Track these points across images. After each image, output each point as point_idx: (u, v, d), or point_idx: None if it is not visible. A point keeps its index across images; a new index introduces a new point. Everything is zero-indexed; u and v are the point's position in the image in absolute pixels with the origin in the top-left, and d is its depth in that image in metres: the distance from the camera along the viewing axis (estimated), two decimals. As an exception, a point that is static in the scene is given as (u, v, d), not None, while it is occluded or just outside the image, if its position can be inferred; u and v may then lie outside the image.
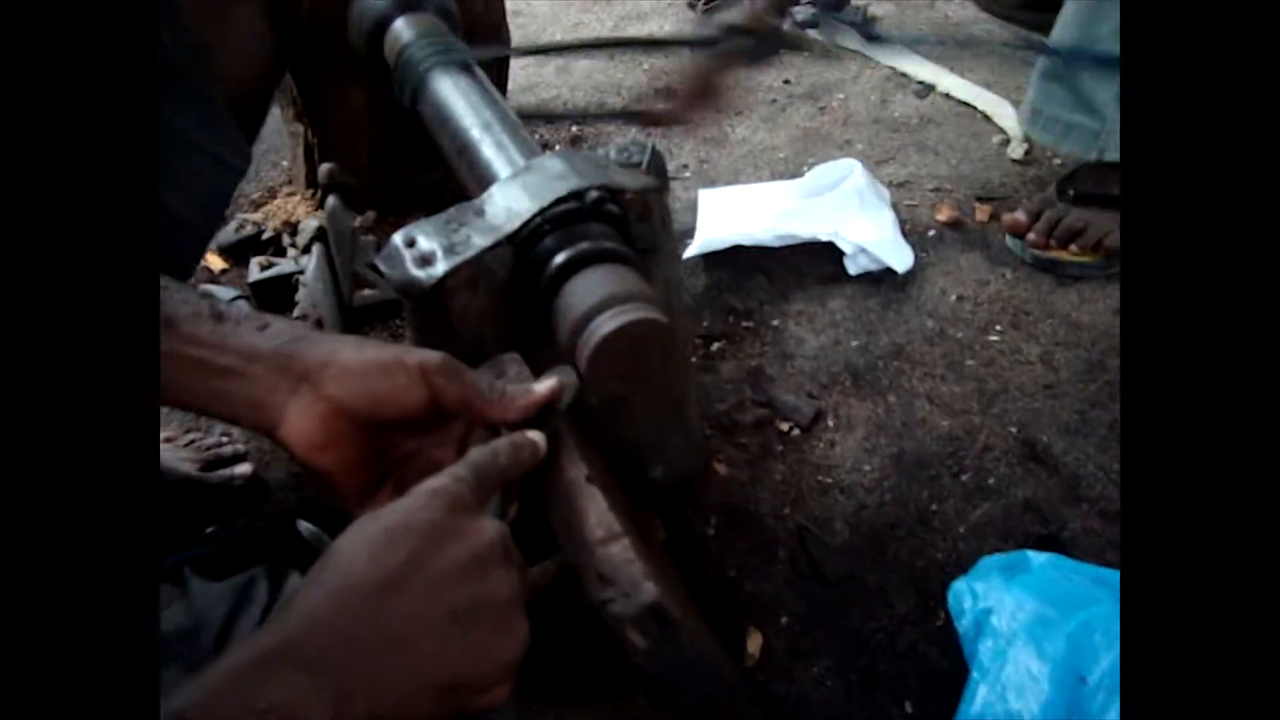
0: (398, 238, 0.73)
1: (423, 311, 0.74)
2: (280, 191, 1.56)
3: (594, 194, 0.73)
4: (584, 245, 0.70)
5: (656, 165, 0.81)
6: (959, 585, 0.80)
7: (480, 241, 0.71)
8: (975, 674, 0.71)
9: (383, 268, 0.73)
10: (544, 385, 0.61)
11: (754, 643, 0.89)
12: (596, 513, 0.60)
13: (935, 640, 0.89)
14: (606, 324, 0.65)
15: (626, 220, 0.76)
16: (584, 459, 0.63)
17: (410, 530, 0.44)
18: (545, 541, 0.64)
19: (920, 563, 0.95)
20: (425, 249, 0.71)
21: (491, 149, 0.85)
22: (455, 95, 0.94)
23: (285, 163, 1.62)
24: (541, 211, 0.72)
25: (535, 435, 0.58)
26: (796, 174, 1.52)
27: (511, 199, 0.74)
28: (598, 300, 0.66)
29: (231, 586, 0.59)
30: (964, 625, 0.77)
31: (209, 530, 1.07)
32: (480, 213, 0.74)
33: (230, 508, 1.08)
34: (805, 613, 0.91)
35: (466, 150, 0.88)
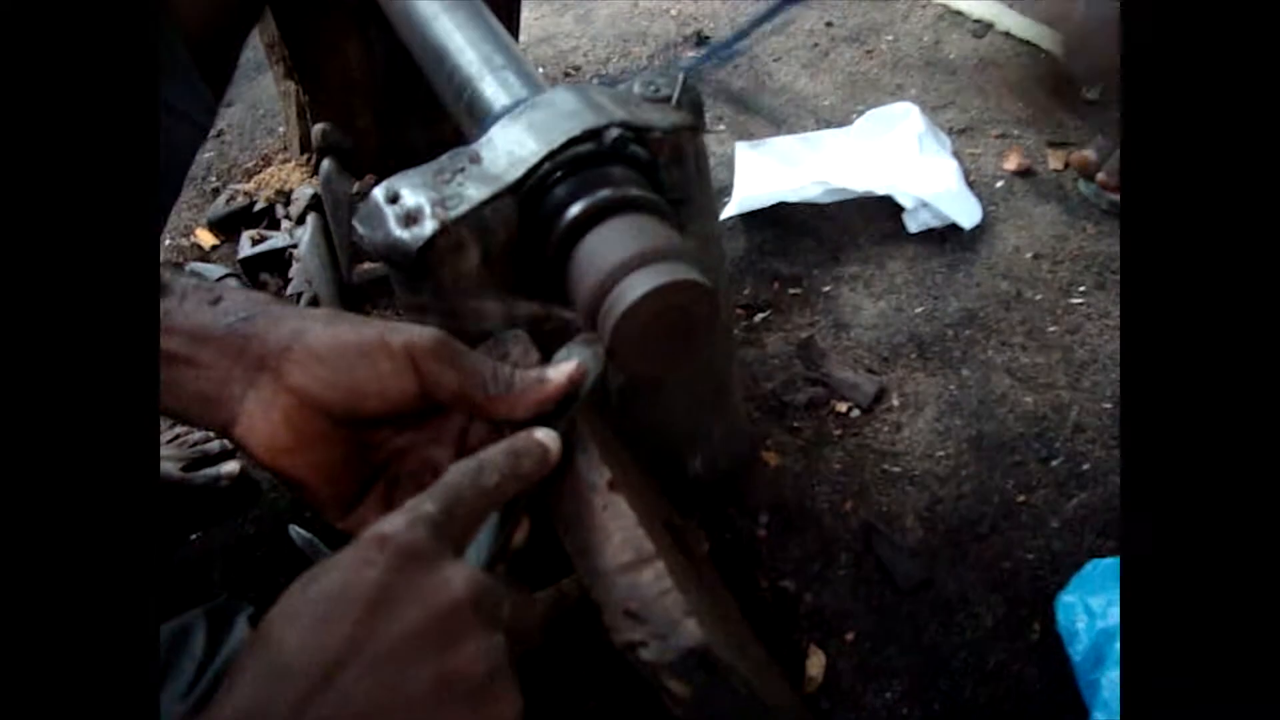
0: (378, 192, 0.61)
1: (409, 281, 0.62)
2: (275, 159, 1.45)
3: (614, 132, 0.61)
4: (603, 193, 0.59)
5: (690, 99, 0.68)
6: (1068, 599, 0.68)
7: (476, 193, 0.59)
8: (1099, 715, 0.59)
9: (360, 229, 0.62)
10: (562, 370, 0.50)
11: (815, 664, 0.78)
12: (622, 529, 0.49)
13: (1030, 658, 0.77)
14: (635, 287, 0.53)
15: (655, 165, 0.64)
16: (605, 459, 0.52)
17: (351, 597, 0.34)
18: (560, 558, 0.52)
19: (1007, 565, 0.83)
20: (411, 205, 0.60)
21: (493, 86, 0.73)
22: (452, 30, 0.81)
23: (282, 128, 1.51)
24: (551, 155, 0.60)
25: (544, 436, 0.47)
26: (844, 123, 1.40)
27: (514, 141, 0.62)
28: (623, 258, 0.55)
29: (162, 636, 0.49)
30: (1079, 651, 0.64)
31: (192, 537, 0.97)
32: (477, 159, 0.62)
33: (216, 511, 0.97)
34: (874, 627, 0.80)
35: (466, 89, 0.76)
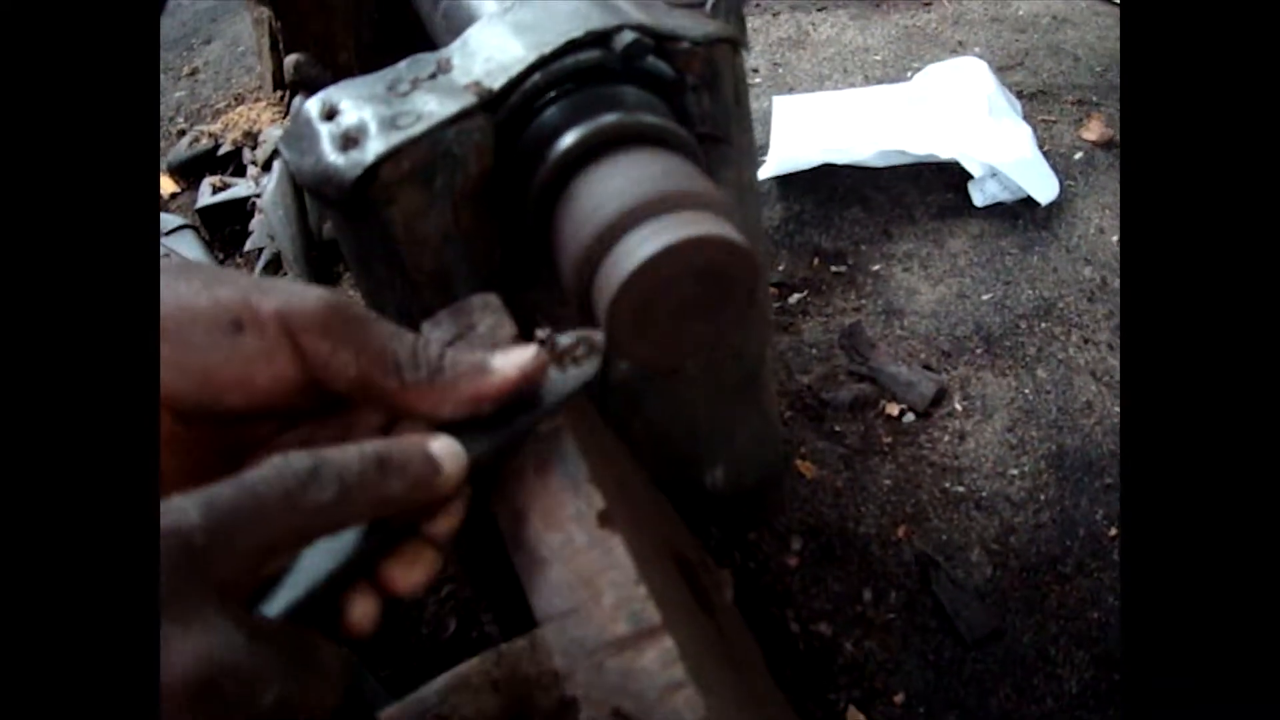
0: (311, 105, 0.48)
1: (351, 223, 0.48)
2: (249, 98, 1.32)
3: (628, 37, 0.47)
4: (609, 118, 0.45)
5: (730, 6, 0.54)
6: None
7: (439, 109, 0.45)
8: None
9: (286, 153, 0.48)
10: (513, 360, 0.36)
11: (856, 731, 0.63)
12: (616, 586, 0.35)
13: (1126, 735, 0.63)
14: (644, 244, 0.40)
15: (681, 87, 0.50)
16: (594, 477, 0.38)
17: None
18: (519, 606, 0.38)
19: (1095, 614, 0.70)
20: (351, 122, 0.46)
21: (478, -15, 0.59)
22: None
23: (259, 66, 1.38)
24: (541, 63, 0.46)
25: (441, 449, 0.34)
26: (898, 81, 1.24)
27: (495, 46, 0.48)
28: (629, 205, 0.41)
29: None
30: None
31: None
32: (446, 67, 0.48)
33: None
34: (930, 687, 0.67)
35: (443, -6, 0.61)
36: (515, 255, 0.49)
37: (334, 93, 0.48)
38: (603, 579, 0.35)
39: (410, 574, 0.33)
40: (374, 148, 0.44)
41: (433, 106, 0.45)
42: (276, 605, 0.32)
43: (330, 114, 0.47)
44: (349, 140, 0.45)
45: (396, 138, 0.44)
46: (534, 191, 0.45)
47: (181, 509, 0.26)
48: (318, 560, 0.32)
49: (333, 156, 0.45)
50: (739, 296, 0.43)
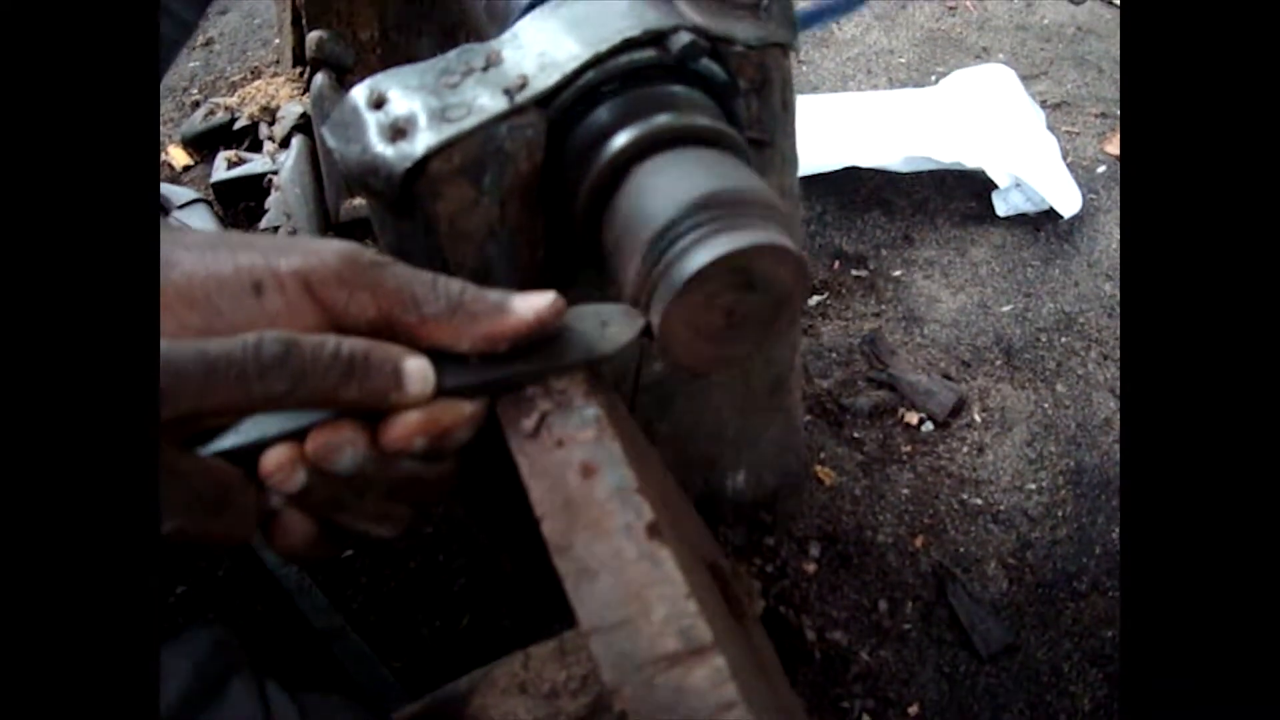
0: (359, 93, 0.47)
1: (393, 216, 0.48)
2: (266, 72, 1.30)
3: (685, 38, 0.47)
4: (663, 119, 0.45)
5: (783, 10, 0.53)
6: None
7: (491, 104, 0.45)
8: None
9: (330, 140, 0.47)
10: (532, 303, 0.38)
11: (869, 742, 0.63)
12: (666, 600, 0.35)
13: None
14: (706, 248, 0.39)
15: (733, 90, 0.50)
16: (642, 486, 0.37)
17: None
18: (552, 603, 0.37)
19: (1110, 633, 0.70)
20: (401, 113, 0.45)
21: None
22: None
23: (278, 40, 1.36)
24: (597, 60, 0.46)
25: (415, 367, 0.36)
26: (921, 85, 1.24)
27: (548, 41, 0.47)
28: (689, 205, 0.40)
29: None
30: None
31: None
32: (496, 60, 0.47)
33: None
34: (945, 699, 0.66)
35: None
36: (559, 253, 0.49)
37: (382, 80, 0.47)
38: (652, 592, 0.34)
39: (319, 435, 0.35)
40: (424, 140, 0.44)
41: (485, 101, 0.45)
42: (218, 445, 0.35)
43: (378, 102, 0.46)
44: (397, 131, 0.45)
45: (448, 131, 0.44)
46: (585, 190, 0.45)
47: None
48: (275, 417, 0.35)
49: (380, 147, 0.44)
50: (789, 304, 0.43)
